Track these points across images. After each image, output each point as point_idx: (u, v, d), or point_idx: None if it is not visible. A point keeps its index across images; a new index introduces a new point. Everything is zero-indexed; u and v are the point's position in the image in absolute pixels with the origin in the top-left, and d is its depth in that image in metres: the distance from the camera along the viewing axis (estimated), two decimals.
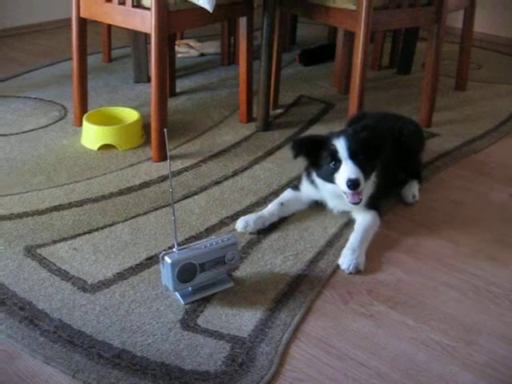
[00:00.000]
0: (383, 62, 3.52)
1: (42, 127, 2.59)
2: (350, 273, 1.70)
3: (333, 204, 1.93)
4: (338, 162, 1.76)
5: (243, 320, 1.50)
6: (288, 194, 2.00)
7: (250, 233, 1.86)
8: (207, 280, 1.57)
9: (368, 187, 1.84)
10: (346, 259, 1.72)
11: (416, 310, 1.57)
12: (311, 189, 1.94)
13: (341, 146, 1.76)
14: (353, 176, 1.72)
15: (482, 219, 2.01)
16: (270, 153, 2.41)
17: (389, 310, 1.57)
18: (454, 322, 1.53)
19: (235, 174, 2.23)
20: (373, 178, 1.86)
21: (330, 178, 1.80)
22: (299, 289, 1.62)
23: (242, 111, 2.67)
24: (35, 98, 2.92)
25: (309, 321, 1.52)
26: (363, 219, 1.88)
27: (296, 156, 1.86)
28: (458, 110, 2.92)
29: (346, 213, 1.94)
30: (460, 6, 2.95)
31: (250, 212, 1.96)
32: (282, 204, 1.95)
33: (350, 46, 2.78)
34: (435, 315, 1.55)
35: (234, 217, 1.94)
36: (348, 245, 1.77)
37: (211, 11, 2.18)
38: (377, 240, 1.86)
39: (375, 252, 1.81)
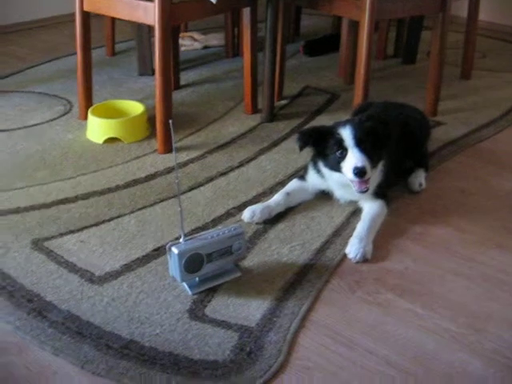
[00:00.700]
0: (388, 52, 3.50)
1: (46, 121, 2.59)
2: (358, 262, 1.70)
3: (339, 193, 1.93)
4: (344, 150, 1.77)
5: (251, 309, 1.50)
6: (294, 184, 2.00)
7: (257, 223, 1.86)
8: (214, 270, 1.58)
9: (375, 176, 1.84)
10: (353, 248, 1.72)
11: (424, 297, 1.57)
12: (317, 179, 1.94)
13: (347, 134, 1.76)
14: (359, 164, 1.72)
15: (489, 207, 2.00)
16: (275, 144, 2.40)
17: (396, 297, 1.56)
18: (463, 310, 1.53)
19: (241, 164, 2.23)
20: (380, 166, 1.86)
21: (336, 167, 1.80)
22: (306, 278, 1.62)
23: (247, 102, 2.67)
24: (40, 93, 2.92)
25: (316, 309, 1.52)
26: (370, 208, 1.87)
27: (302, 147, 1.86)
28: (463, 98, 2.91)
29: (353, 202, 1.94)
30: None
31: (257, 202, 1.96)
32: (288, 194, 1.95)
33: (355, 36, 2.77)
34: (443, 303, 1.55)
35: (241, 207, 1.94)
36: (355, 233, 1.77)
37: (215, 2, 2.17)
38: (384, 228, 1.85)
39: (382, 240, 1.80)
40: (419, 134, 2.15)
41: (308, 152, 1.91)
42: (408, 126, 2.07)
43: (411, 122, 2.11)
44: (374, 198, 1.89)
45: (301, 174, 2.05)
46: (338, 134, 1.77)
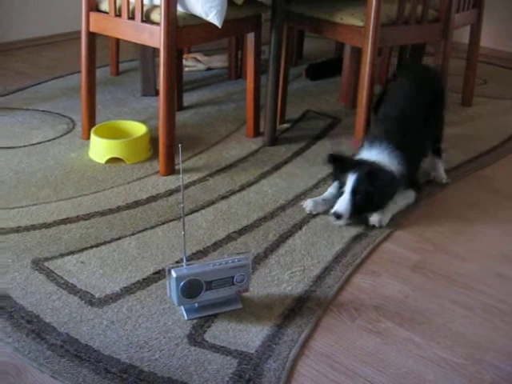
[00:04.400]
0: (389, 76, 3.52)
1: (49, 140, 2.61)
2: (373, 225, 1.98)
3: None
4: (343, 189, 1.97)
5: (250, 336, 1.50)
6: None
7: (317, 213, 2.06)
8: (214, 298, 1.57)
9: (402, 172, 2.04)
10: (374, 214, 1.99)
11: (423, 326, 1.57)
12: None
13: (349, 181, 1.95)
14: (339, 210, 1.94)
15: (489, 235, 2.01)
16: (277, 167, 2.41)
17: (396, 326, 1.56)
18: (462, 340, 1.53)
19: (242, 188, 2.24)
20: (401, 167, 2.03)
21: (338, 194, 2.01)
22: (306, 305, 1.62)
23: (249, 126, 2.68)
24: (43, 111, 2.93)
25: (316, 337, 1.52)
26: (400, 192, 2.08)
27: (328, 164, 2.09)
28: (464, 125, 2.92)
29: None
30: (466, 22, 2.97)
31: (258, 227, 1.97)
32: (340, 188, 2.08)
33: (357, 61, 2.79)
34: (443, 332, 1.55)
35: (242, 231, 1.95)
36: None
37: (220, 26, 2.20)
38: (383, 255, 1.86)
39: (382, 268, 1.81)
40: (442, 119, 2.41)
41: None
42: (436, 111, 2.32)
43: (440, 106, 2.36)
44: (405, 188, 2.10)
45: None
46: (345, 177, 1.97)
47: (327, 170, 2.35)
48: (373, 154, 2.05)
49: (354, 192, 1.94)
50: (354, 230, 1.98)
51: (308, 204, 2.07)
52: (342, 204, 1.94)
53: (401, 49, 3.53)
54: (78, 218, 2.00)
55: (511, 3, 4.10)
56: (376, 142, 2.08)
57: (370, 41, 2.27)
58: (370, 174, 1.94)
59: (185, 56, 3.56)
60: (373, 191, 1.94)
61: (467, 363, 1.45)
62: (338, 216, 1.94)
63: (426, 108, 2.25)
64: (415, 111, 2.20)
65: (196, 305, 1.57)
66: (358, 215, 1.99)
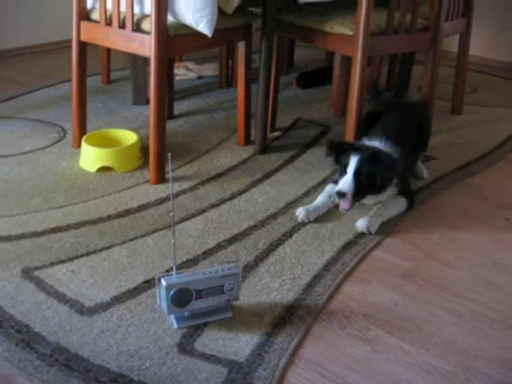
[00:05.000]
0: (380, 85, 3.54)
1: (40, 148, 2.60)
2: (362, 231, 2.00)
3: (369, 196, 2.11)
4: (345, 171, 2.00)
5: (240, 344, 1.50)
6: (332, 187, 2.15)
7: (308, 221, 2.07)
8: (204, 307, 1.56)
9: (394, 189, 2.11)
10: (361, 220, 2.02)
11: (413, 334, 1.57)
12: None
13: (352, 162, 1.99)
14: (343, 189, 1.97)
15: (479, 243, 2.02)
16: (267, 176, 2.42)
17: (386, 334, 1.57)
18: (452, 347, 1.53)
19: (233, 197, 2.24)
20: (396, 181, 2.09)
21: (339, 179, 2.04)
22: (296, 313, 1.62)
23: (240, 134, 2.69)
24: (34, 119, 2.93)
25: (306, 345, 1.52)
26: (392, 199, 2.12)
27: (327, 155, 2.15)
28: (454, 133, 2.94)
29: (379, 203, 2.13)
30: (455, 31, 2.99)
31: (249, 235, 1.97)
32: (330, 197, 2.15)
33: (347, 70, 2.81)
34: (432, 340, 1.55)
35: (232, 240, 1.95)
36: (369, 213, 2.06)
37: (210, 36, 2.20)
38: (373, 263, 1.87)
39: (372, 276, 1.81)
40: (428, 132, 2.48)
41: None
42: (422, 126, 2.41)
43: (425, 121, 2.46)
44: (397, 195, 2.13)
45: (334, 178, 2.18)
46: (348, 159, 2.00)
47: (317, 178, 2.39)
48: (373, 144, 2.11)
49: (357, 172, 1.98)
50: (344, 238, 1.98)
51: (300, 212, 2.08)
52: (346, 183, 1.98)
53: (391, 58, 3.56)
54: (68, 227, 2.00)
55: (500, 12, 4.14)
56: (375, 137, 2.15)
57: (359, 50, 2.28)
58: (373, 155, 2.00)
59: (176, 65, 3.57)
60: (375, 172, 1.98)
61: (457, 371, 1.46)
62: (341, 195, 1.98)
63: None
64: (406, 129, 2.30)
65: (186, 313, 1.57)
66: (360, 197, 2.03)
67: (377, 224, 2.03)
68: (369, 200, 2.10)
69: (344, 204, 2.01)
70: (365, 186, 2.00)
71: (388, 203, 2.11)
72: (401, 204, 2.14)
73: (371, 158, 1.99)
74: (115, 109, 3.11)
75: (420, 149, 2.43)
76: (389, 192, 2.09)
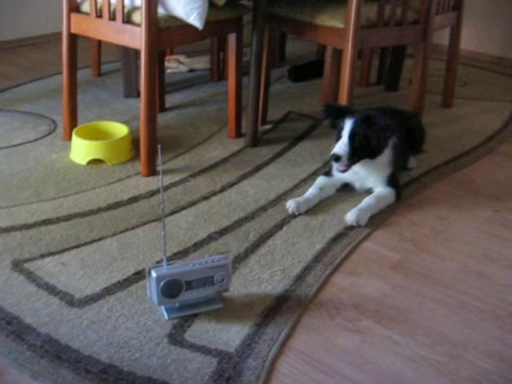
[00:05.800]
0: (371, 79, 3.55)
1: (30, 141, 2.60)
2: (351, 225, 1.99)
3: (358, 183, 2.20)
4: (341, 135, 2.05)
5: (230, 335, 1.51)
6: (322, 179, 2.21)
7: (299, 213, 2.06)
8: (194, 298, 1.57)
9: (385, 167, 2.15)
10: (350, 213, 2.02)
11: (402, 325, 1.58)
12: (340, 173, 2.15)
13: (347, 125, 2.03)
14: (338, 152, 2.02)
15: (468, 235, 2.03)
16: (258, 168, 2.42)
17: (375, 325, 1.58)
18: (441, 337, 1.54)
19: (223, 189, 2.24)
20: (388, 158, 2.14)
21: (334, 143, 2.07)
22: (286, 304, 1.63)
23: (231, 127, 2.69)
24: (24, 112, 2.92)
25: (296, 336, 1.53)
26: (381, 191, 2.15)
27: (324, 118, 2.22)
28: (444, 126, 2.95)
29: (370, 190, 2.18)
30: (446, 24, 2.99)
31: (239, 227, 1.97)
32: (320, 188, 2.17)
33: (338, 63, 2.81)
34: (421, 330, 1.56)
35: (222, 232, 1.95)
36: (358, 206, 2.06)
37: (201, 28, 2.20)
38: (363, 255, 1.88)
39: (362, 267, 1.82)
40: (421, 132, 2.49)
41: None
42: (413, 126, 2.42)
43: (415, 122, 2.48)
44: (386, 185, 2.16)
45: (326, 170, 2.26)
46: (343, 122, 2.05)
47: (308, 170, 2.39)
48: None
49: (352, 135, 2.02)
50: (335, 230, 1.99)
51: (291, 204, 2.08)
52: (341, 146, 2.02)
53: (382, 52, 3.56)
54: (58, 219, 2.00)
55: (491, 6, 4.15)
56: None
57: (350, 42, 2.28)
58: (368, 117, 2.04)
59: (167, 57, 3.56)
60: (370, 134, 2.02)
61: (446, 360, 1.47)
62: (336, 158, 2.01)
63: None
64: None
65: (176, 304, 1.57)
66: (355, 160, 2.06)
67: (366, 217, 2.04)
68: (362, 184, 2.18)
69: (340, 167, 2.06)
70: (360, 148, 2.03)
71: (377, 194, 2.13)
72: (389, 196, 2.16)
73: (366, 120, 2.03)
74: (106, 101, 3.10)
75: (414, 151, 2.45)
76: (383, 160, 2.13)
